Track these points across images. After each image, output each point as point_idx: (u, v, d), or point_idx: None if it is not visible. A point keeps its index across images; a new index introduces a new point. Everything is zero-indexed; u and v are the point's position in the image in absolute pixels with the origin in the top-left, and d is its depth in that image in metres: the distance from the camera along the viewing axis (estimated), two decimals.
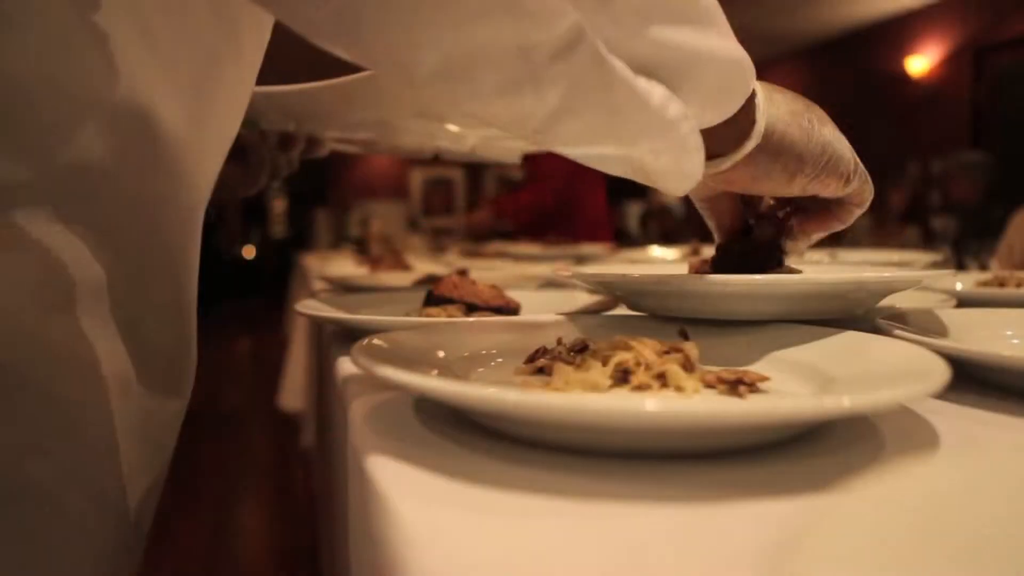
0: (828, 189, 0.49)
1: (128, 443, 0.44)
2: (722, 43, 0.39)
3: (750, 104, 0.43)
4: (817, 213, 0.52)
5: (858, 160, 0.49)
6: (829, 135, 0.47)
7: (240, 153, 0.76)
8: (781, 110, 0.45)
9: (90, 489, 0.41)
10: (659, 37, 0.37)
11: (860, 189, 0.50)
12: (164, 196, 0.44)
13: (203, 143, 0.48)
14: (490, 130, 0.82)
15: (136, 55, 0.40)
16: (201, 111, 0.46)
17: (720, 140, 0.44)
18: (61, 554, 0.40)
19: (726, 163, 0.45)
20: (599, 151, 0.38)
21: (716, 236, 0.54)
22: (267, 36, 0.51)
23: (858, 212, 0.52)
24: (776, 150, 0.45)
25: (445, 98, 0.34)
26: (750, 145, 0.44)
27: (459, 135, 0.83)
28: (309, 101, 0.72)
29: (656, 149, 0.38)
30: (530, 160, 2.39)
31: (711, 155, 0.44)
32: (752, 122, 0.44)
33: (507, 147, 0.90)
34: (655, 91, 0.37)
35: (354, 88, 0.67)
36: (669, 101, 0.37)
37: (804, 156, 0.46)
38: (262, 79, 0.63)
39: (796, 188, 0.48)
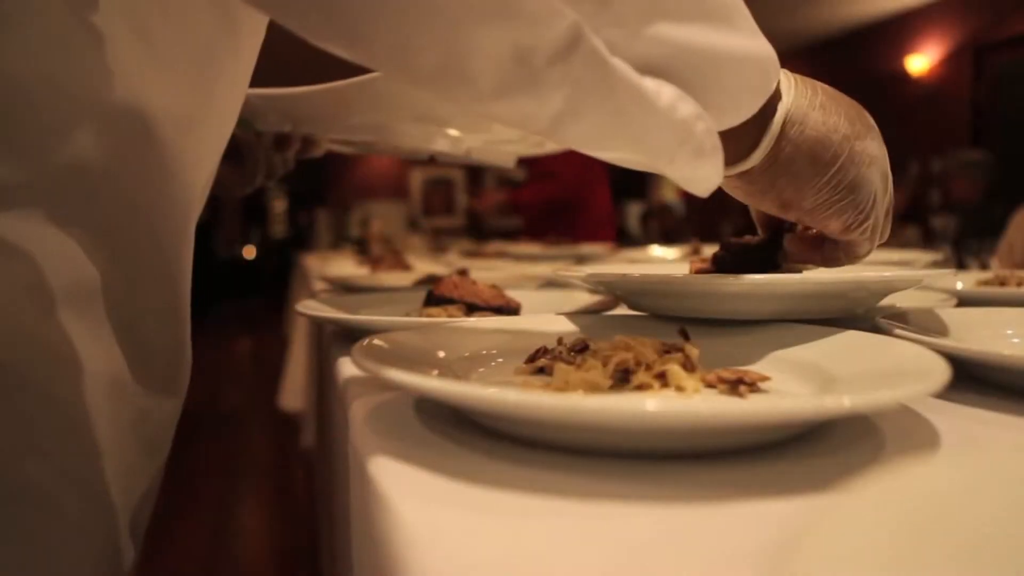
0: (826, 228, 0.46)
1: (124, 444, 0.43)
2: (739, 40, 0.38)
3: (767, 118, 0.42)
4: (810, 241, 0.49)
5: (877, 216, 0.46)
6: (854, 177, 0.44)
7: (236, 153, 0.76)
8: (805, 134, 0.43)
9: (87, 490, 0.41)
10: (666, 36, 0.36)
11: (858, 243, 0.47)
12: (159, 196, 0.44)
13: (199, 143, 0.47)
14: (488, 135, 0.82)
15: (133, 55, 0.40)
16: (198, 111, 0.46)
17: (731, 145, 0.42)
18: (60, 555, 0.40)
19: (723, 173, 0.44)
20: (612, 154, 0.37)
21: (758, 226, 0.52)
22: (262, 35, 0.50)
23: (845, 262, 0.49)
24: (776, 174, 0.44)
25: (446, 98, 0.33)
26: (746, 165, 0.43)
27: (457, 139, 0.83)
28: (307, 104, 0.72)
29: (671, 153, 0.37)
30: (537, 158, 2.39)
31: (727, 159, 0.43)
32: (760, 138, 0.42)
33: (503, 151, 0.90)
34: (663, 92, 0.36)
35: (352, 92, 0.67)
36: (679, 101, 0.36)
37: (804, 192, 0.44)
38: (261, 80, 0.63)
39: (790, 216, 0.46)
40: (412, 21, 0.29)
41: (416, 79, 0.32)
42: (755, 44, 0.39)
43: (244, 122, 0.72)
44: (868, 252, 0.49)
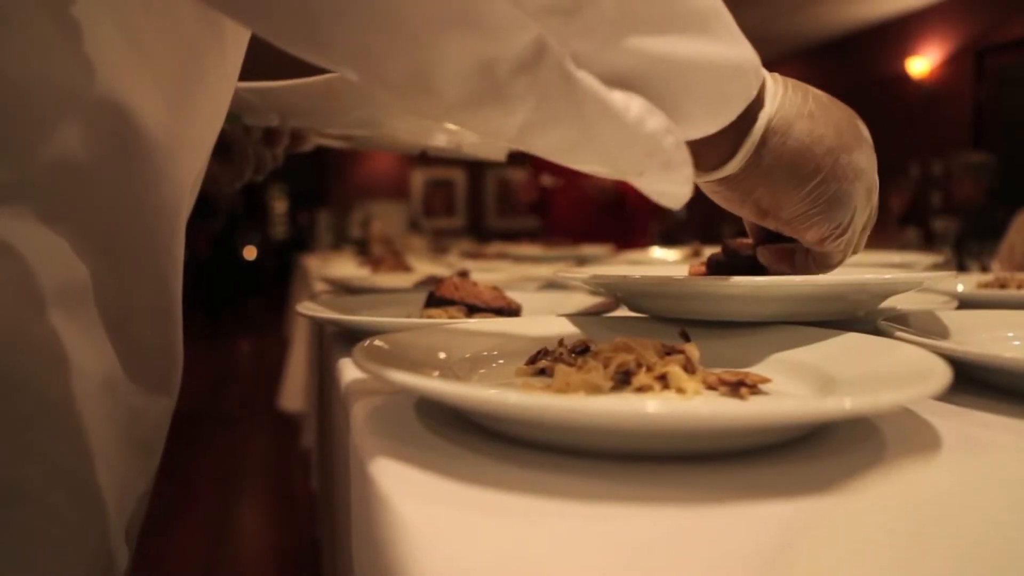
0: (802, 238, 0.46)
1: (118, 445, 0.43)
2: (715, 48, 0.37)
3: (747, 125, 0.42)
4: (782, 252, 0.49)
5: (855, 229, 0.46)
6: (835, 191, 0.43)
7: (224, 148, 0.76)
8: (788, 144, 0.42)
9: (81, 491, 0.41)
10: (636, 47, 0.35)
11: (832, 253, 0.47)
12: (148, 194, 0.44)
13: (186, 142, 0.47)
14: None
15: (116, 51, 0.40)
16: (184, 109, 0.46)
17: (711, 152, 0.42)
18: (53, 557, 0.40)
19: (701, 179, 0.44)
20: (582, 165, 0.37)
21: (749, 233, 0.52)
22: (248, 33, 0.50)
23: (815, 271, 0.48)
24: (755, 183, 0.43)
25: (415, 108, 0.33)
26: (724, 172, 0.43)
27: (454, 133, 0.83)
28: (296, 97, 0.71)
29: (639, 166, 0.37)
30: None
31: (706, 166, 0.43)
32: (740, 145, 0.42)
33: (497, 145, 0.90)
34: (632, 105, 0.35)
35: (341, 84, 0.66)
36: (648, 115, 0.36)
37: (782, 202, 0.44)
38: (255, 74, 0.62)
39: (768, 224, 0.46)
40: (374, 31, 0.30)
41: (385, 88, 0.32)
42: (733, 51, 0.38)
43: (233, 116, 0.71)
44: (840, 263, 0.49)
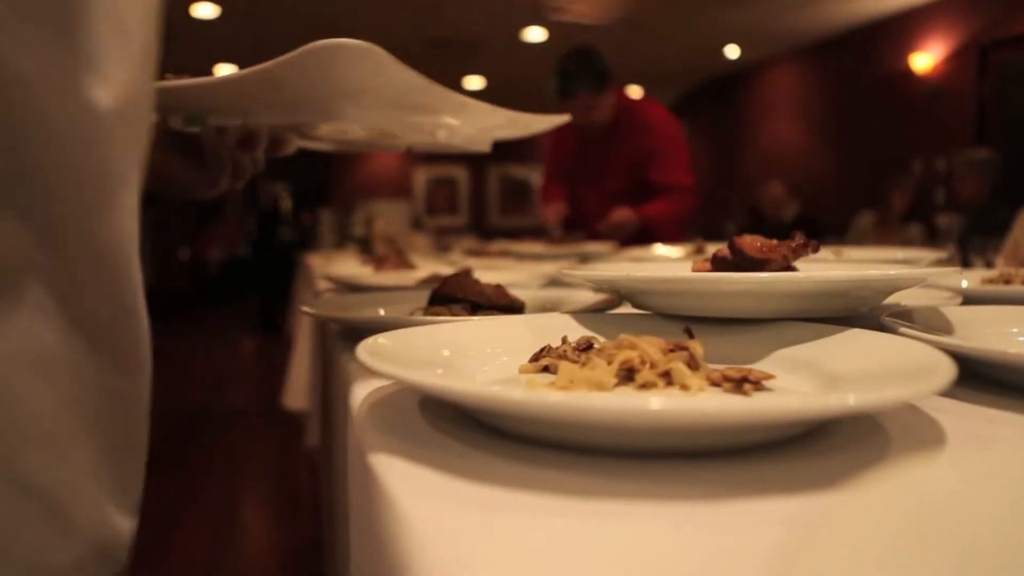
0: None
1: (83, 428, 0.40)
2: None
3: None
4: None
5: None
6: None
7: (199, 153, 0.73)
8: None
9: (48, 489, 0.38)
10: None
11: None
12: (53, 159, 0.40)
13: (83, 103, 0.43)
14: (481, 122, 0.80)
15: None
16: (71, 61, 0.40)
17: None
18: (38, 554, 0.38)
19: None
20: None
21: None
22: None
23: None
24: None
25: None
26: None
27: (455, 128, 0.81)
28: (238, 87, 0.63)
29: None
30: (664, 168, 2.32)
31: None
32: None
33: (482, 138, 0.88)
34: None
35: (281, 71, 0.61)
36: None
37: None
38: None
39: None
40: None
41: None
42: None
43: (196, 118, 0.69)
44: None
